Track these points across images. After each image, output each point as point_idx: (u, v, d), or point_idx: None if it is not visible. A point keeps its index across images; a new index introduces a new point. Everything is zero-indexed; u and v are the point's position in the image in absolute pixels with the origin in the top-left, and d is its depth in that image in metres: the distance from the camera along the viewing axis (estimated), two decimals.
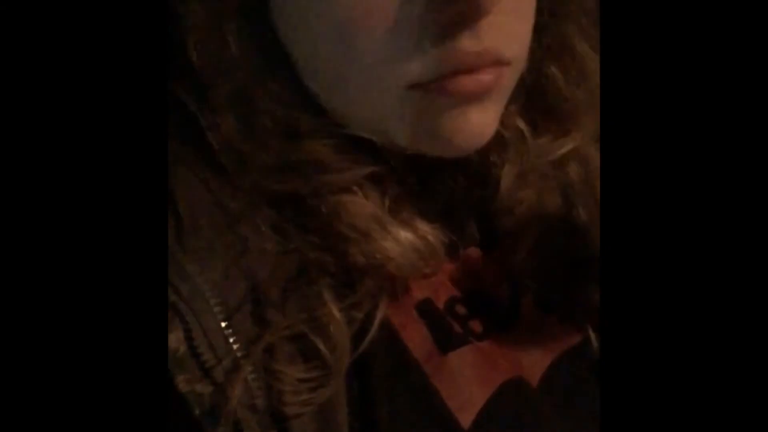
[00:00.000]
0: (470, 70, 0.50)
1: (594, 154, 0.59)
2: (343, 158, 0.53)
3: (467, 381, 0.54)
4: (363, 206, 0.53)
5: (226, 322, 0.49)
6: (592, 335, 0.58)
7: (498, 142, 0.57)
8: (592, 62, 0.58)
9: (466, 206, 0.59)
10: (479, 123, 0.52)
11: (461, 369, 0.55)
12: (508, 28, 0.51)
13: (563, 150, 0.59)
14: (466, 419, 0.53)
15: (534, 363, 0.57)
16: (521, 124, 0.58)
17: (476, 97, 0.51)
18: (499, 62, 0.51)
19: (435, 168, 0.57)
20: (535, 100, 0.57)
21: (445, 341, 0.55)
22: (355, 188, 0.53)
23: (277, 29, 0.53)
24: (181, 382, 0.48)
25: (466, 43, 0.49)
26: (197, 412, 0.48)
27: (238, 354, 0.49)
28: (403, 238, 0.53)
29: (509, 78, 0.53)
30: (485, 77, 0.51)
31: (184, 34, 0.53)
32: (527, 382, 0.56)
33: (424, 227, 0.54)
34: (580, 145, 0.59)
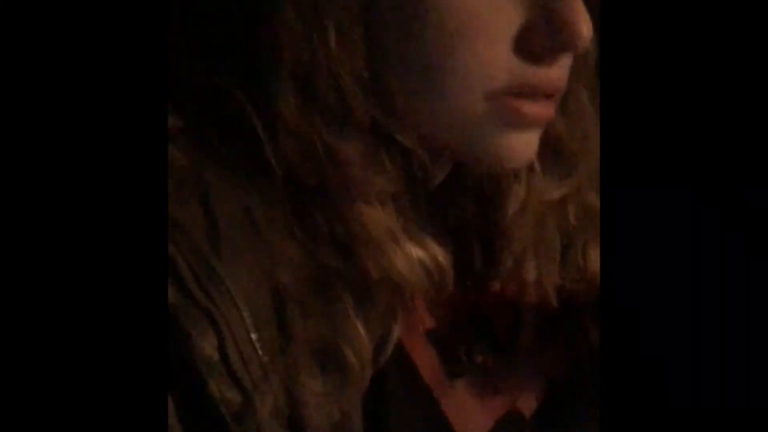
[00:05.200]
0: (542, 96, 0.53)
1: (593, 201, 0.61)
2: (373, 167, 0.54)
3: (473, 408, 0.56)
4: (380, 218, 0.54)
5: (257, 334, 0.50)
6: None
7: (511, 173, 0.59)
8: (591, 113, 0.60)
9: (474, 232, 0.60)
10: (529, 147, 0.54)
11: (468, 397, 0.56)
12: (568, 70, 0.54)
13: (564, 190, 0.60)
14: None
15: (530, 400, 0.59)
16: (534, 159, 0.59)
17: (536, 124, 0.54)
18: (558, 98, 0.54)
19: (449, 191, 0.58)
20: (540, 142, 0.58)
21: (453, 368, 0.57)
22: (373, 200, 0.54)
23: (372, 28, 0.53)
24: (214, 388, 0.49)
25: (553, 72, 0.52)
26: (227, 417, 0.49)
27: (267, 365, 0.50)
28: (414, 255, 0.54)
29: (554, 116, 0.55)
30: (549, 108, 0.53)
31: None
32: (525, 416, 0.58)
33: (434, 247, 0.55)
34: (579, 189, 0.61)
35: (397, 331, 0.54)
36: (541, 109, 0.53)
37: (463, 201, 0.60)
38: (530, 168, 0.59)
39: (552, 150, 0.60)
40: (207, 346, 0.49)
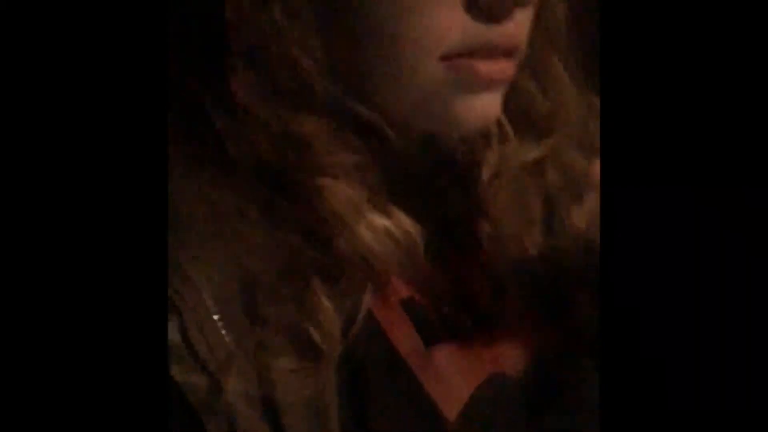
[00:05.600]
0: (500, 54, 0.52)
1: (579, 161, 0.61)
2: (335, 142, 0.54)
3: (452, 375, 0.55)
4: (343, 191, 0.53)
5: (219, 315, 0.50)
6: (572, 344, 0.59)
7: (483, 138, 0.59)
8: (564, 76, 0.60)
9: (450, 201, 0.60)
10: (490, 108, 0.54)
11: (445, 363, 0.55)
12: (527, 26, 0.53)
13: (540, 152, 0.60)
14: (451, 412, 0.54)
15: (516, 360, 0.58)
16: (505, 123, 0.59)
17: (496, 84, 0.53)
18: (517, 56, 0.53)
19: (421, 162, 0.58)
20: (511, 107, 0.58)
21: (430, 336, 0.56)
22: (338, 173, 0.54)
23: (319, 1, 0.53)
24: (177, 373, 0.49)
25: (506, 28, 0.52)
26: (193, 401, 0.49)
27: (231, 346, 0.50)
28: (379, 225, 0.54)
29: (514, 74, 0.55)
30: (508, 67, 0.53)
31: None
32: (510, 376, 0.57)
33: (401, 216, 0.55)
34: (558, 151, 0.61)
35: (366, 304, 0.54)
36: (499, 68, 0.53)
37: (437, 171, 0.59)
38: (502, 132, 0.59)
39: (524, 113, 0.59)
40: (171, 332, 0.49)
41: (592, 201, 0.60)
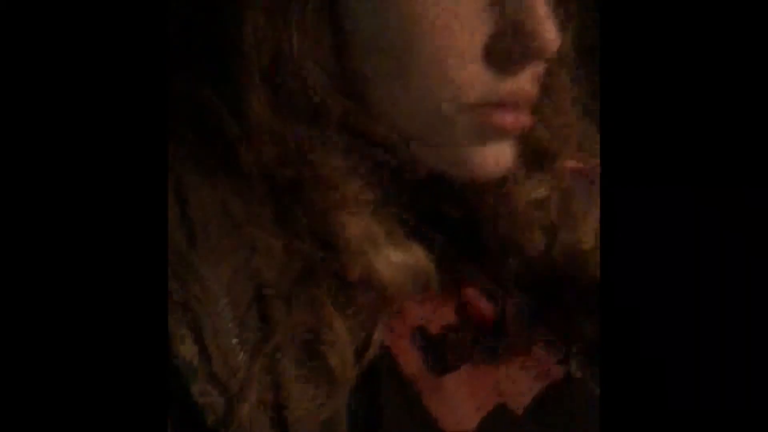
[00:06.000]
0: (515, 106, 0.53)
1: (570, 183, 0.62)
2: (352, 179, 0.54)
3: (460, 404, 0.56)
4: (360, 226, 0.54)
5: (234, 322, 0.50)
6: (577, 370, 0.60)
7: (497, 181, 0.59)
8: (570, 109, 0.62)
9: (459, 241, 0.60)
10: (504, 157, 0.55)
11: (454, 393, 0.56)
12: (540, 78, 0.55)
13: (543, 192, 0.61)
14: None
15: (521, 392, 0.58)
16: (517, 167, 0.59)
17: (512, 133, 0.55)
18: (531, 107, 0.55)
19: (433, 199, 0.59)
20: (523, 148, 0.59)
21: (438, 366, 0.56)
22: (353, 209, 0.54)
23: (343, 21, 0.53)
24: (196, 392, 0.49)
25: (524, 81, 0.53)
26: (211, 419, 0.49)
27: (247, 358, 0.50)
28: (395, 259, 0.54)
29: (530, 125, 0.56)
30: (524, 118, 0.54)
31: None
32: (513, 410, 0.57)
33: (417, 250, 0.55)
34: (558, 184, 0.62)
35: (379, 333, 0.54)
36: (513, 119, 0.54)
37: (446, 203, 0.60)
38: (513, 176, 0.59)
39: (533, 153, 0.60)
40: (183, 349, 0.49)
41: (589, 230, 0.62)
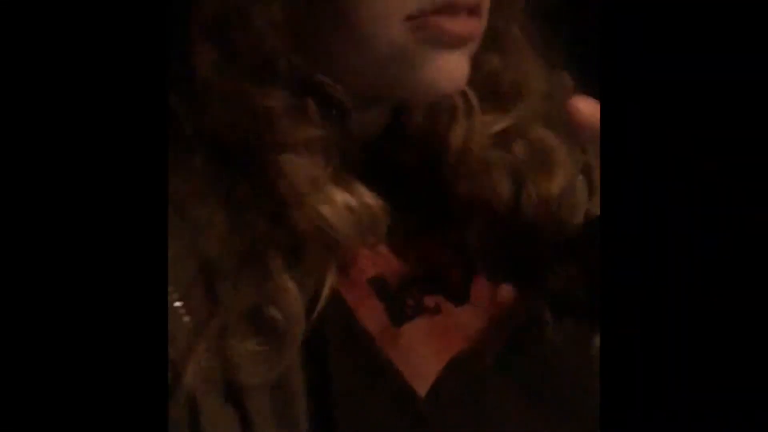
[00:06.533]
0: (464, 11, 0.52)
1: (545, 135, 0.61)
2: (297, 117, 0.53)
3: (421, 351, 0.55)
4: (303, 168, 0.53)
5: (180, 302, 0.50)
6: (549, 317, 0.59)
7: (448, 110, 0.59)
8: (528, 49, 0.61)
9: (418, 178, 0.60)
10: (459, 68, 0.54)
11: (415, 340, 0.56)
12: None
13: (503, 125, 0.60)
14: (421, 388, 0.54)
15: (488, 340, 0.58)
16: (471, 94, 0.59)
17: (462, 41, 0.53)
18: (482, 14, 0.54)
19: (388, 141, 0.58)
20: (475, 79, 0.58)
21: (399, 314, 0.56)
22: (300, 150, 0.54)
23: None
24: None
25: None
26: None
27: (192, 331, 0.50)
28: (340, 201, 0.54)
29: (480, 34, 0.55)
30: (473, 23, 0.53)
31: None
32: (481, 356, 0.57)
33: (364, 192, 0.55)
34: (522, 124, 0.61)
35: (330, 282, 0.54)
36: (464, 25, 0.53)
37: (402, 147, 0.59)
38: (468, 105, 0.59)
39: (489, 85, 0.60)
40: None
41: (561, 176, 0.61)
